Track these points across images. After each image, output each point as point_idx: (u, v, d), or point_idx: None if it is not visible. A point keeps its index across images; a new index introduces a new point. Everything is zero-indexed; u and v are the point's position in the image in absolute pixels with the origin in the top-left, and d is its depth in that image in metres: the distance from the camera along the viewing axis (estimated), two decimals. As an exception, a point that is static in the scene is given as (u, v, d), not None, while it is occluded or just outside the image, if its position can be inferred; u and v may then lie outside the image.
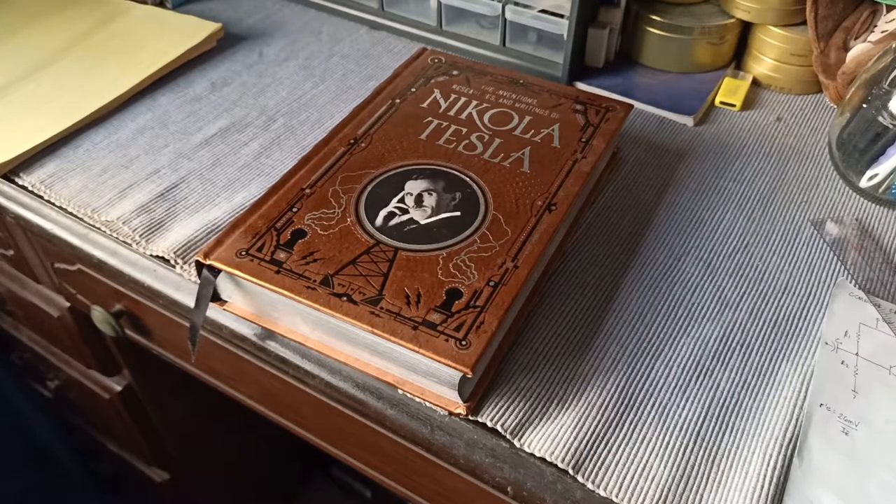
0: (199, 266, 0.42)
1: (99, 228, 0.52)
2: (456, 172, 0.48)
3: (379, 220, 0.44)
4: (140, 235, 0.50)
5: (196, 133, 0.60)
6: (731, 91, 0.64)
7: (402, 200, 0.45)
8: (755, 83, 0.67)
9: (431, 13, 0.69)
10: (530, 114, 0.53)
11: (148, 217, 0.51)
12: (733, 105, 0.63)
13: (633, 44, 0.67)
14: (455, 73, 0.57)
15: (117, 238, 0.51)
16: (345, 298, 0.39)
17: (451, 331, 0.38)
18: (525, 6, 0.63)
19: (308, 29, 0.74)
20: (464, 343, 0.37)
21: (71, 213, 0.53)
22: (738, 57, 0.68)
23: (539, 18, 0.63)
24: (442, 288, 0.40)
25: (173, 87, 0.65)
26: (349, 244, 0.42)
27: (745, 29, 0.67)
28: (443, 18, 0.69)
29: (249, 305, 0.44)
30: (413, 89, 0.55)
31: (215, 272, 0.42)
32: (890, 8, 0.59)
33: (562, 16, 0.62)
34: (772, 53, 0.64)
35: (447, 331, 0.38)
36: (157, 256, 0.49)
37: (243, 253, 0.42)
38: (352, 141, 0.50)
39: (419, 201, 0.45)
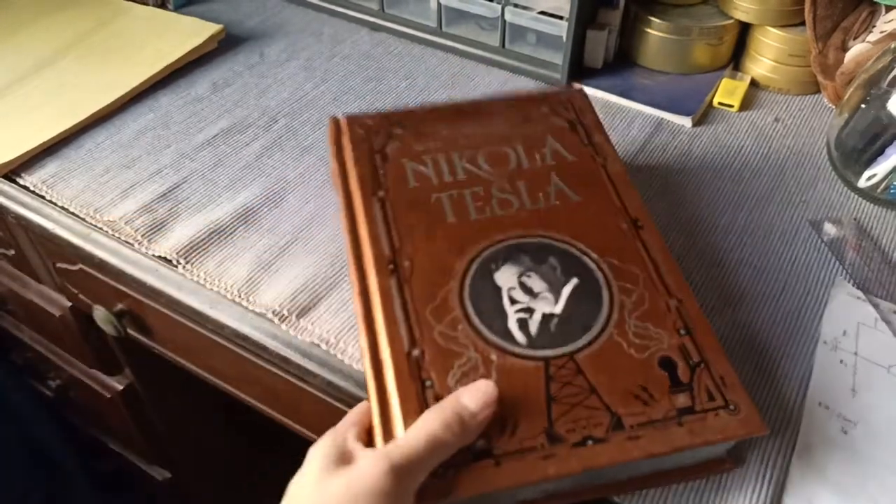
0: None
1: (101, 228, 0.52)
2: (526, 239, 0.41)
3: (520, 336, 0.37)
4: (142, 235, 0.50)
5: (198, 133, 0.60)
6: (729, 92, 0.64)
7: (513, 301, 0.38)
8: (753, 84, 0.67)
9: (431, 14, 0.70)
10: (514, 139, 0.47)
11: (150, 217, 0.52)
12: (731, 106, 0.63)
13: (632, 45, 0.68)
14: (398, 131, 0.48)
15: (119, 238, 0.51)
16: (590, 442, 0.33)
17: (709, 403, 0.34)
18: (524, 8, 0.64)
19: (309, 30, 0.74)
20: (732, 408, 0.34)
21: (73, 213, 0.53)
22: (737, 58, 0.69)
23: (538, 20, 0.63)
24: (652, 366, 0.35)
25: (175, 88, 0.65)
26: (521, 382, 0.35)
27: (744, 30, 0.67)
28: (443, 20, 0.69)
29: None
30: (380, 171, 0.45)
31: None
32: (889, 8, 0.59)
33: (561, 17, 0.62)
34: (770, 54, 0.65)
35: (707, 406, 0.34)
36: (159, 256, 0.49)
37: (440, 472, 0.32)
38: (391, 266, 0.40)
39: (529, 291, 0.39)
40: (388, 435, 0.34)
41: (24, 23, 0.71)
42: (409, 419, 0.33)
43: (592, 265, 0.40)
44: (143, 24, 0.71)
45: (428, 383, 0.35)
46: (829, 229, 0.52)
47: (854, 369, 0.42)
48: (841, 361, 0.43)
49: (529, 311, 0.38)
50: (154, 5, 0.75)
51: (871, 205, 0.54)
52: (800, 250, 0.50)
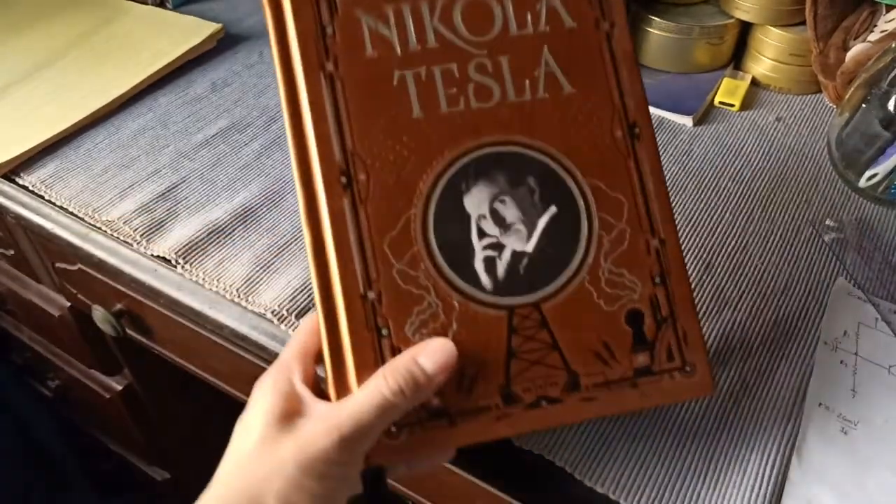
0: (369, 473, 0.33)
1: (100, 228, 0.52)
2: (504, 148, 0.35)
3: (486, 280, 0.33)
4: (141, 235, 0.50)
5: (197, 133, 0.60)
6: (730, 91, 0.64)
7: (482, 233, 0.34)
8: (754, 83, 0.67)
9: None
10: None
11: (149, 217, 0.52)
12: (732, 105, 0.63)
13: (633, 44, 0.67)
14: None
15: (118, 238, 0.51)
16: (544, 403, 0.33)
17: (667, 363, 0.34)
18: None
19: (308, 29, 0.74)
20: (688, 370, 0.34)
21: (71, 213, 0.53)
22: (738, 57, 0.68)
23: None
24: (619, 321, 0.34)
25: (174, 88, 0.65)
26: (482, 334, 0.33)
27: (745, 29, 0.67)
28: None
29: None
30: (328, 30, 0.35)
31: (384, 470, 0.34)
32: (889, 8, 0.59)
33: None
34: (771, 53, 0.65)
35: (664, 367, 0.34)
36: (157, 256, 0.49)
37: (393, 431, 0.32)
38: (344, 180, 0.34)
39: (501, 221, 0.34)
40: (341, 389, 0.33)
41: (25, 23, 0.71)
42: (363, 374, 0.32)
43: (575, 189, 0.35)
44: (143, 23, 0.71)
45: (384, 332, 0.33)
46: (830, 229, 0.51)
47: (854, 369, 0.42)
48: (841, 362, 0.43)
49: (499, 247, 0.34)
50: (153, 4, 0.75)
51: (872, 204, 0.54)
52: (800, 250, 0.50)
